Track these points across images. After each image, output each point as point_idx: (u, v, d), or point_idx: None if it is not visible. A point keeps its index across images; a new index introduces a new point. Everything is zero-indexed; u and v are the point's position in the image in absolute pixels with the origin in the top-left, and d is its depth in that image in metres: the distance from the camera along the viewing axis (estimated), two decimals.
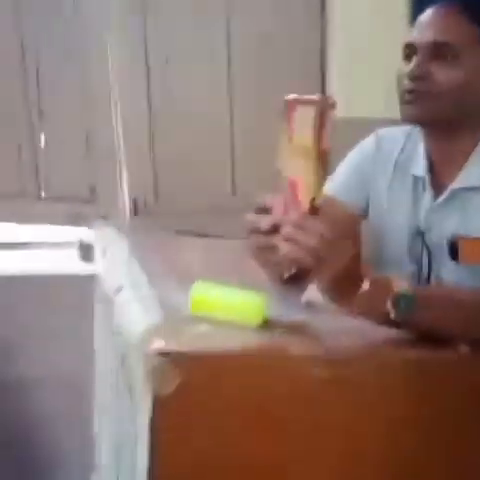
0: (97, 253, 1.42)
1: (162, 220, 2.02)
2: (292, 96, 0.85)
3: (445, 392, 0.91)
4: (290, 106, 0.85)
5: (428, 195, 1.20)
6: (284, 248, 0.87)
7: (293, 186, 0.86)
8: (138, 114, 2.13)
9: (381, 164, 1.28)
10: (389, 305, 0.92)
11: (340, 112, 2.21)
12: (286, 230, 0.86)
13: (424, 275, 1.18)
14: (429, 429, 0.90)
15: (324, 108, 0.83)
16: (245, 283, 1.04)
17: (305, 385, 0.84)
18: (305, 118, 0.84)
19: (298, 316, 1.00)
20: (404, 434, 0.89)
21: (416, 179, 1.22)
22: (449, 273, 1.17)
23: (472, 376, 0.93)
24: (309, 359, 0.85)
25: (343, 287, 0.91)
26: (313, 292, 1.12)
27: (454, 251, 1.16)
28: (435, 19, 1.14)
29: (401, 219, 1.22)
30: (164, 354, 0.79)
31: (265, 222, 0.89)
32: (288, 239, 0.86)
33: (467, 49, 1.11)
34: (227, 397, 0.82)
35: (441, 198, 1.19)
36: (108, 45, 2.07)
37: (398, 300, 0.93)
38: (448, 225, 1.17)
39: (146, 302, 0.96)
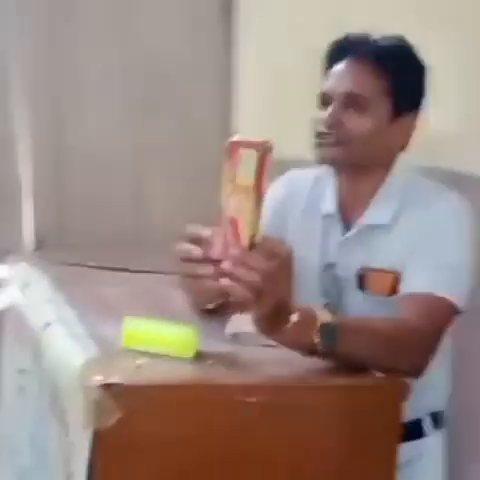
0: (10, 288, 1.40)
1: (68, 253, 2.01)
2: (236, 138, 0.90)
3: (366, 414, 0.97)
4: (233, 147, 0.89)
5: (337, 231, 1.29)
6: (225, 282, 0.89)
7: (234, 223, 0.90)
8: (44, 147, 2.14)
9: (292, 204, 1.36)
10: (315, 335, 0.97)
11: None
12: (227, 265, 0.89)
13: (333, 307, 1.25)
14: (354, 449, 0.96)
15: (265, 151, 0.88)
16: (169, 316, 1.07)
17: (240, 413, 0.87)
18: (247, 160, 0.89)
19: (226, 348, 1.03)
20: (333, 458, 0.95)
21: (326, 216, 1.31)
22: (357, 304, 1.26)
23: (387, 399, 0.99)
24: (242, 388, 0.89)
25: (275, 319, 0.94)
26: (237, 324, 1.16)
27: (362, 282, 1.25)
28: (349, 71, 1.24)
29: (312, 254, 1.30)
30: (104, 387, 0.80)
31: (207, 252, 0.91)
32: (229, 274, 0.89)
33: (376, 100, 1.22)
34: (167, 429, 0.84)
35: (349, 234, 1.28)
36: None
37: (323, 330, 0.97)
38: (356, 259, 1.26)
39: (78, 337, 0.96)
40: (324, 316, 0.99)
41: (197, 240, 0.94)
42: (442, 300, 1.13)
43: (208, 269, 0.91)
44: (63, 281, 1.27)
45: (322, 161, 1.26)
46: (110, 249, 2.15)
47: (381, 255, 1.24)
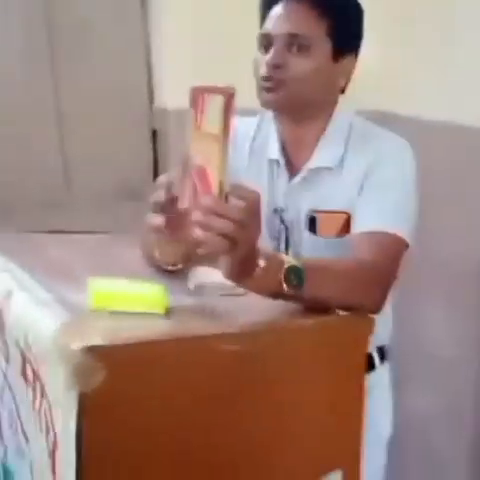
0: None
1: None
2: (199, 85, 0.87)
3: (337, 350, 1.01)
4: (197, 95, 0.87)
5: (284, 176, 1.30)
6: (197, 233, 0.88)
7: (202, 172, 0.88)
8: None
9: (237, 152, 1.34)
10: (282, 279, 0.98)
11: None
12: (198, 216, 0.87)
13: (282, 250, 1.28)
14: (327, 383, 1.00)
15: (230, 96, 0.85)
16: (125, 275, 1.05)
17: (221, 362, 0.88)
18: (212, 106, 0.86)
19: (193, 301, 1.03)
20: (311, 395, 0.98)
21: (271, 162, 1.32)
22: (307, 247, 1.28)
23: (352, 334, 1.03)
24: (221, 337, 0.89)
25: (244, 266, 0.94)
26: (199, 277, 1.16)
27: (312, 225, 1.27)
28: (289, 12, 1.24)
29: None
30: (86, 349, 0.78)
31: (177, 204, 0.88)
32: (201, 225, 0.87)
33: (317, 41, 1.22)
34: (151, 384, 0.83)
35: (296, 178, 1.29)
36: None
37: (290, 274, 0.99)
38: (304, 202, 1.28)
39: (45, 303, 0.93)
40: (290, 260, 1.01)
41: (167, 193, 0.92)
42: (394, 237, 1.17)
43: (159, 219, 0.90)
44: (8, 249, 1.21)
45: (266, 105, 1.25)
46: (40, 213, 2.10)
47: (329, 197, 1.26)
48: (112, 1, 2.15)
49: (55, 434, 0.85)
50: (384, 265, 1.14)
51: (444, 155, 1.66)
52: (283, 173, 1.30)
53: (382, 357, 1.38)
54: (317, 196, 1.27)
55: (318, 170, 1.27)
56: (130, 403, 0.82)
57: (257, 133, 1.35)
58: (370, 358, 1.34)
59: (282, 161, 1.30)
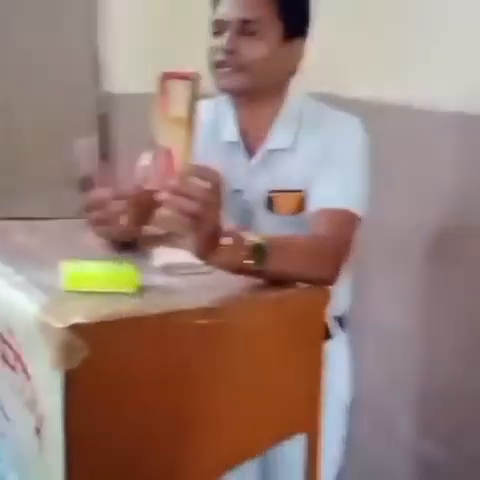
0: None
1: None
2: (167, 70, 0.91)
3: (298, 325, 1.08)
4: (165, 79, 0.90)
5: (241, 158, 1.35)
6: (164, 212, 0.94)
7: (168, 154, 0.92)
8: None
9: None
10: (246, 255, 1.04)
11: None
12: (165, 196, 0.92)
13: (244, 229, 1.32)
14: (294, 352, 1.07)
15: (196, 81, 0.90)
16: (89, 257, 1.09)
17: (197, 336, 0.93)
18: (180, 91, 0.90)
19: (162, 279, 1.07)
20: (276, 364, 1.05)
21: (229, 144, 1.36)
22: (266, 225, 1.33)
23: (310, 305, 1.10)
24: (196, 312, 0.95)
25: (210, 243, 1.00)
26: (164, 257, 1.20)
27: (270, 204, 1.33)
28: None
29: None
30: (69, 328, 0.82)
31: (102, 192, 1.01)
32: (168, 204, 0.93)
33: (268, 25, 1.27)
34: (132, 360, 0.88)
35: (254, 160, 1.34)
36: None
37: (254, 250, 1.04)
38: (262, 183, 1.33)
39: (22, 286, 0.96)
40: (253, 237, 1.06)
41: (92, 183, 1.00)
42: (347, 212, 1.24)
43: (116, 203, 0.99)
44: None
45: (222, 90, 1.30)
46: None
47: (285, 177, 1.32)
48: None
49: (41, 413, 0.88)
50: (339, 240, 1.21)
51: (394, 135, 1.74)
52: (241, 155, 1.35)
53: (341, 326, 1.45)
54: (274, 176, 1.33)
55: (273, 151, 1.33)
56: (111, 377, 0.86)
57: (214, 116, 1.39)
58: (327, 327, 1.41)
59: (240, 143, 1.35)
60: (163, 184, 0.92)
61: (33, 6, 2.10)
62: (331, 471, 1.43)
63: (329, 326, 1.42)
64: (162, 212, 0.95)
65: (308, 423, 1.15)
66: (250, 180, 1.33)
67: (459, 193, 1.73)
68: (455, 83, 1.66)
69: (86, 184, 1.06)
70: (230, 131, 1.36)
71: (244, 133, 1.36)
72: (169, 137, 0.92)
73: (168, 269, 1.14)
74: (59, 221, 1.40)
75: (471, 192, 1.70)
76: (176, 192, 0.92)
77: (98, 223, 1.13)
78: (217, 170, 0.98)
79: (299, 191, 1.30)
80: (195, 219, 0.93)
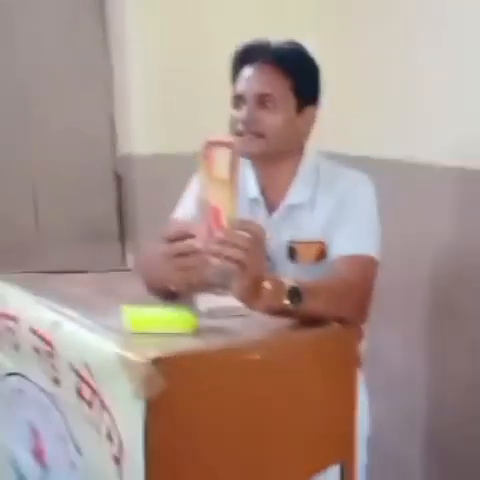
0: None
1: None
2: (211, 138, 1.07)
3: (335, 360, 1.19)
4: (209, 147, 1.05)
5: (263, 213, 1.49)
6: (214, 261, 1.07)
7: (215, 211, 1.06)
8: None
9: None
10: (285, 299, 1.16)
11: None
12: (214, 247, 1.06)
13: None
14: (331, 386, 1.18)
15: (238, 150, 1.05)
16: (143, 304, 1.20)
17: (246, 367, 1.05)
18: (223, 156, 1.05)
19: (211, 322, 1.18)
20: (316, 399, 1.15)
21: (251, 201, 1.50)
22: (288, 275, 1.44)
23: (344, 342, 1.21)
24: (248, 348, 1.07)
25: (254, 289, 1.12)
26: (208, 302, 1.31)
27: (292, 254, 1.46)
28: (258, 74, 1.44)
29: None
30: (151, 362, 0.93)
31: (199, 244, 1.08)
32: (217, 254, 1.06)
33: (283, 98, 1.44)
34: (200, 389, 0.99)
35: (275, 214, 1.48)
36: None
37: (291, 293, 1.17)
38: (283, 235, 1.46)
39: (95, 329, 1.07)
40: (290, 281, 1.18)
41: (183, 237, 1.10)
42: (368, 257, 1.38)
43: (214, 260, 1.07)
44: (29, 287, 1.32)
45: (243, 155, 1.42)
46: (9, 255, 2.19)
47: (305, 229, 1.46)
48: (77, 53, 2.30)
49: (120, 442, 0.98)
50: (363, 282, 1.35)
51: (395, 189, 1.89)
52: (262, 210, 1.49)
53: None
54: (294, 229, 1.46)
55: (293, 206, 1.47)
56: (184, 406, 0.97)
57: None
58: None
59: (261, 200, 1.49)
60: (212, 237, 1.05)
61: (51, 66, 2.26)
62: None
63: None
64: (212, 261, 1.07)
65: (346, 452, 1.25)
66: (272, 233, 1.42)
67: (456, 245, 1.89)
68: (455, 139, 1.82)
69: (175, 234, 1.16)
70: (252, 189, 1.50)
71: (265, 191, 1.50)
72: (215, 197, 1.06)
73: (211, 313, 1.26)
74: (102, 274, 1.52)
75: (467, 245, 1.85)
76: (223, 242, 1.06)
77: (185, 269, 1.16)
78: (258, 223, 1.11)
79: (318, 242, 1.43)
80: (241, 266, 1.07)
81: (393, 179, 1.93)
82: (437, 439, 2.00)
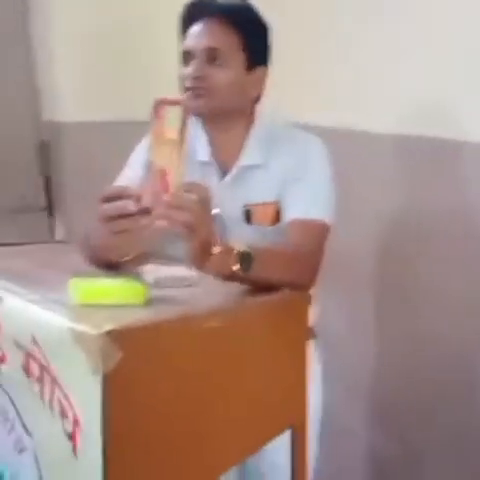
0: None
1: None
2: (161, 97, 1.02)
3: (287, 325, 1.19)
4: (159, 105, 1.00)
5: (215, 176, 1.45)
6: (161, 224, 1.02)
7: (163, 173, 1.01)
8: None
9: None
10: (235, 263, 1.14)
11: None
12: (161, 210, 1.02)
13: None
14: (282, 350, 1.18)
15: (187, 107, 1.00)
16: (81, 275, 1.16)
17: (203, 336, 1.03)
18: (172, 115, 1.00)
19: (158, 292, 1.15)
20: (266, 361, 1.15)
21: (202, 164, 1.46)
22: (244, 237, 1.37)
23: (294, 307, 1.22)
24: (206, 317, 1.05)
25: (202, 252, 1.10)
26: (153, 272, 1.28)
27: (248, 217, 1.43)
28: (207, 29, 1.40)
29: None
30: (105, 334, 0.89)
31: (131, 205, 1.02)
32: (164, 217, 1.02)
33: (232, 54, 1.40)
34: (155, 361, 0.96)
35: (227, 177, 1.45)
36: None
37: (241, 258, 1.15)
38: (237, 198, 1.43)
39: (41, 304, 1.02)
40: (241, 246, 1.17)
41: (117, 198, 1.05)
42: (319, 222, 1.38)
43: (145, 220, 1.03)
44: None
45: (193, 112, 1.38)
46: None
47: (259, 191, 1.43)
48: None
49: (75, 418, 0.94)
50: (314, 248, 1.35)
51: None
52: (214, 173, 1.45)
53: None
54: (248, 191, 1.43)
55: (247, 167, 1.44)
56: (140, 377, 0.95)
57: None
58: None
59: (213, 162, 1.45)
60: (158, 200, 1.01)
61: None
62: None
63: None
64: (158, 225, 1.04)
65: (296, 418, 1.26)
66: (225, 196, 1.42)
67: (396, 212, 1.91)
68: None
69: (108, 195, 1.10)
70: (203, 151, 1.46)
71: (216, 153, 1.46)
72: (163, 158, 1.02)
73: (158, 283, 1.22)
74: (38, 245, 1.46)
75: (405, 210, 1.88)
76: (170, 206, 1.02)
77: (119, 233, 1.09)
78: (205, 185, 1.09)
79: (273, 203, 1.41)
80: (189, 229, 1.04)
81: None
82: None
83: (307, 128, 1.51)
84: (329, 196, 1.42)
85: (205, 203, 1.06)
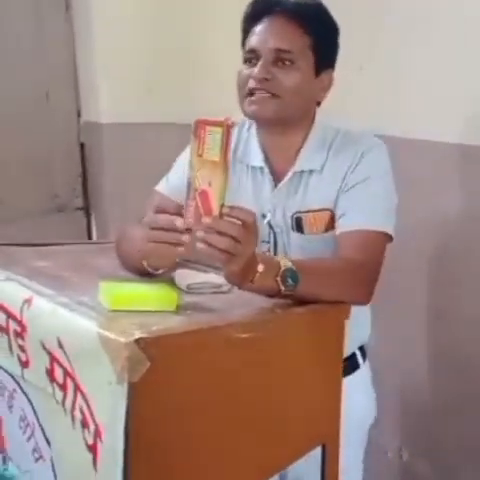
0: None
1: None
2: (201, 118, 0.99)
3: (322, 339, 1.14)
4: (199, 126, 0.98)
5: (268, 182, 1.37)
6: (200, 248, 0.99)
7: (204, 195, 0.99)
8: None
9: None
10: (279, 281, 1.09)
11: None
12: (201, 233, 0.99)
13: (272, 253, 1.36)
14: (317, 363, 1.13)
15: (228, 127, 0.98)
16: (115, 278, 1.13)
17: (234, 346, 0.99)
18: (213, 137, 0.98)
19: (190, 298, 1.12)
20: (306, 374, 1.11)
21: (254, 169, 1.37)
22: (295, 246, 1.35)
23: (335, 318, 1.16)
24: (236, 327, 1.00)
25: (244, 273, 1.05)
26: (186, 278, 1.24)
27: (299, 225, 1.35)
28: (275, 28, 1.29)
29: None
30: (134, 342, 0.85)
31: (179, 222, 1.00)
32: (203, 241, 0.99)
33: (301, 55, 1.29)
34: (184, 369, 0.93)
35: (282, 183, 1.36)
36: None
37: (286, 276, 1.10)
38: (289, 206, 1.35)
39: (70, 307, 0.98)
40: (285, 263, 1.11)
41: (163, 211, 1.03)
42: (377, 233, 1.27)
43: (186, 237, 1.00)
44: None
45: (253, 116, 1.32)
46: None
47: (313, 198, 1.34)
48: (37, 23, 2.17)
49: (96, 427, 0.90)
50: (370, 262, 1.25)
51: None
52: (267, 179, 1.37)
53: (363, 356, 1.47)
54: (301, 198, 1.35)
55: (302, 173, 1.35)
56: (168, 386, 0.91)
57: (238, 142, 1.40)
58: (353, 359, 1.43)
59: (266, 168, 1.37)
60: (199, 222, 0.99)
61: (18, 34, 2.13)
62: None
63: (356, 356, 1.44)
64: (198, 247, 1.01)
65: (327, 434, 1.20)
66: (277, 203, 1.36)
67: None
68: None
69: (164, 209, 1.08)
70: (256, 156, 1.38)
71: (270, 158, 1.38)
72: (205, 179, 0.99)
73: (193, 289, 1.19)
74: (71, 246, 1.43)
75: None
76: (211, 229, 0.98)
77: (159, 243, 1.06)
78: (250, 210, 1.04)
79: (326, 210, 1.33)
80: (227, 253, 1.00)
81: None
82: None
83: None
84: (390, 205, 1.32)
85: (248, 229, 1.01)
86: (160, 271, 1.19)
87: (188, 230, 1.00)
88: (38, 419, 1.03)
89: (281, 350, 1.08)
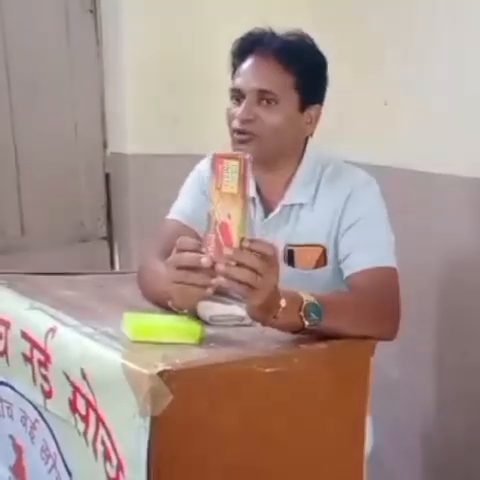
0: None
1: None
2: (219, 152, 1.01)
3: (347, 374, 1.12)
4: (218, 160, 1.00)
5: (259, 213, 1.38)
6: (221, 281, 0.99)
7: (224, 228, 0.99)
8: None
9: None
10: (303, 316, 1.08)
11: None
12: (222, 267, 0.99)
13: None
14: (339, 396, 1.11)
15: (246, 160, 0.99)
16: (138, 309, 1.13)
17: (259, 381, 0.98)
18: (231, 170, 0.99)
19: (212, 330, 1.11)
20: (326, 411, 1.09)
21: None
22: (285, 279, 1.34)
23: (360, 354, 1.15)
24: (261, 360, 0.99)
25: (267, 308, 1.04)
26: (209, 309, 1.24)
27: (290, 258, 1.35)
28: (257, 68, 1.31)
29: None
30: (158, 375, 0.85)
31: (205, 261, 1.00)
32: (224, 274, 0.98)
33: (285, 95, 1.30)
34: (208, 403, 0.92)
35: (271, 214, 1.37)
36: None
37: (309, 310, 1.09)
38: (280, 237, 1.35)
39: (95, 338, 0.99)
40: (308, 297, 1.10)
41: (191, 249, 1.03)
42: (387, 269, 1.27)
43: (215, 280, 1.00)
44: (21, 290, 1.23)
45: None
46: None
47: (304, 232, 1.34)
48: (67, 53, 2.22)
49: (119, 462, 0.90)
50: (390, 297, 1.24)
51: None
52: (259, 210, 1.38)
53: None
54: (292, 231, 1.36)
55: (292, 206, 1.36)
56: (191, 423, 0.90)
57: None
58: None
59: (257, 199, 1.38)
60: (220, 255, 0.99)
61: (46, 69, 2.18)
62: None
63: None
64: (220, 281, 1.01)
65: (351, 474, 1.18)
66: (268, 234, 1.35)
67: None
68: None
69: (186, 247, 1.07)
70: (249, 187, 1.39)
71: (261, 189, 1.40)
72: (224, 212, 1.00)
73: (214, 321, 1.18)
74: (96, 276, 1.44)
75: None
76: (231, 262, 0.98)
77: (185, 284, 1.06)
78: (271, 243, 1.03)
79: (319, 246, 1.34)
80: (248, 287, 0.99)
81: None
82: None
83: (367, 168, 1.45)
84: (388, 237, 1.32)
85: (269, 262, 1.00)
86: (185, 311, 1.18)
87: (212, 267, 1.00)
88: (60, 450, 1.03)
89: (305, 385, 1.06)
